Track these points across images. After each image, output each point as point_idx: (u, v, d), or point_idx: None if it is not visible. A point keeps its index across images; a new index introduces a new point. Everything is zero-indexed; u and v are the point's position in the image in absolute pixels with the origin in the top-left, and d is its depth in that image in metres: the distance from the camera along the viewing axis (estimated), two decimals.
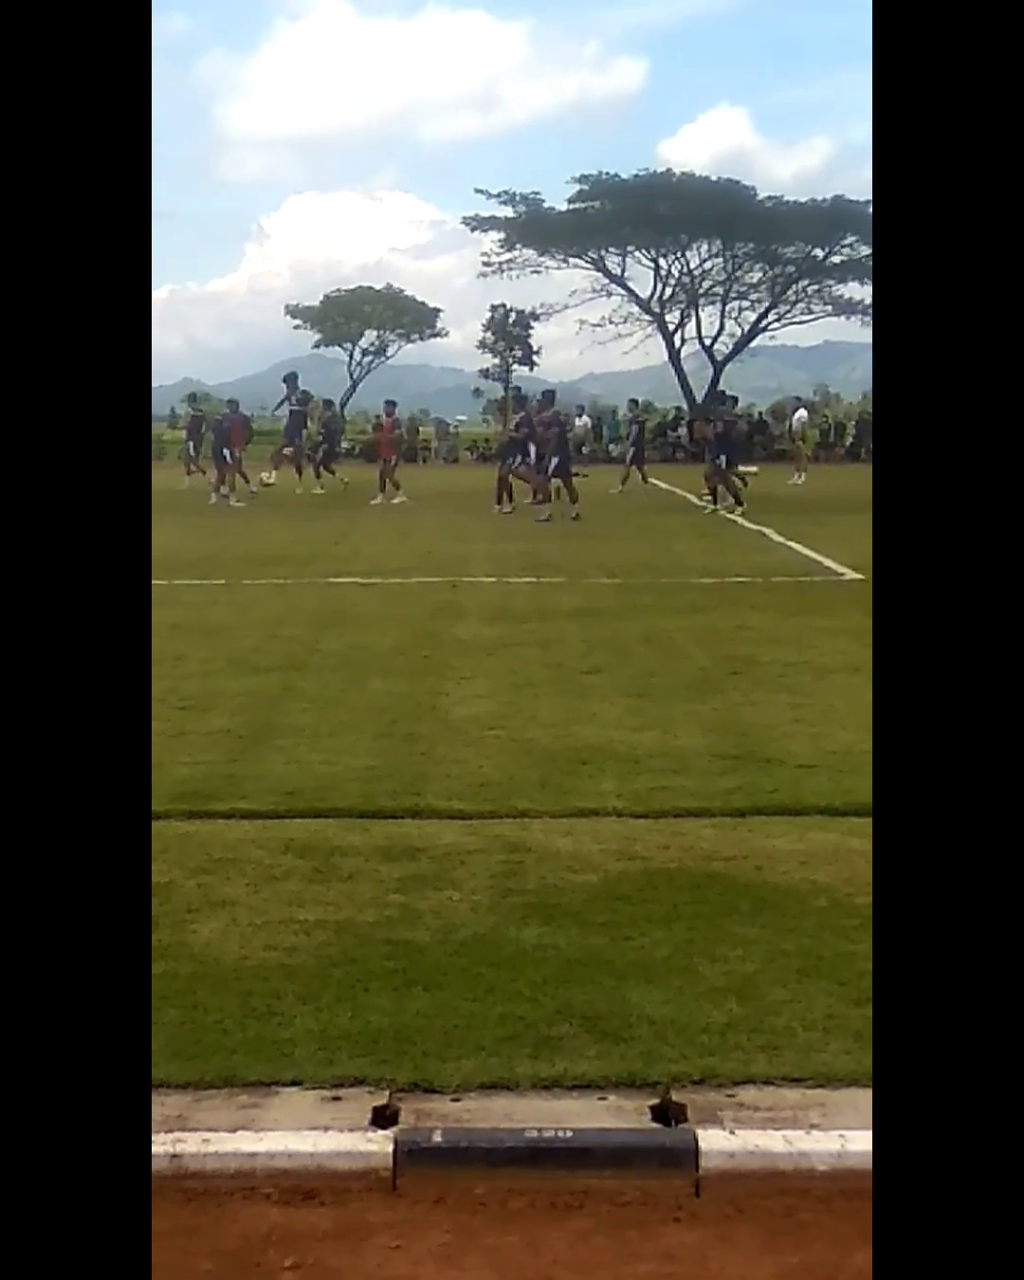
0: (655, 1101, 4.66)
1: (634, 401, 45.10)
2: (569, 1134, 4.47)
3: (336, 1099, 4.69)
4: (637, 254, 75.95)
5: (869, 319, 64.44)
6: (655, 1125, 4.55)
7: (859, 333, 79.77)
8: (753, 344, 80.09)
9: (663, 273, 76.34)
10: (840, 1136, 4.39)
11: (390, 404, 37.69)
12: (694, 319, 78.15)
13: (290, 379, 37.90)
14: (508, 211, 74.87)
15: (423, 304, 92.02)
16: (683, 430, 64.22)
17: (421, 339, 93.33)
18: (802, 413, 49.04)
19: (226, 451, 35.21)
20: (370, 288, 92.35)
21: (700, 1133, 4.45)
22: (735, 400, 38.76)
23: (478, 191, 75.79)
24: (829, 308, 76.58)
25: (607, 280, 76.83)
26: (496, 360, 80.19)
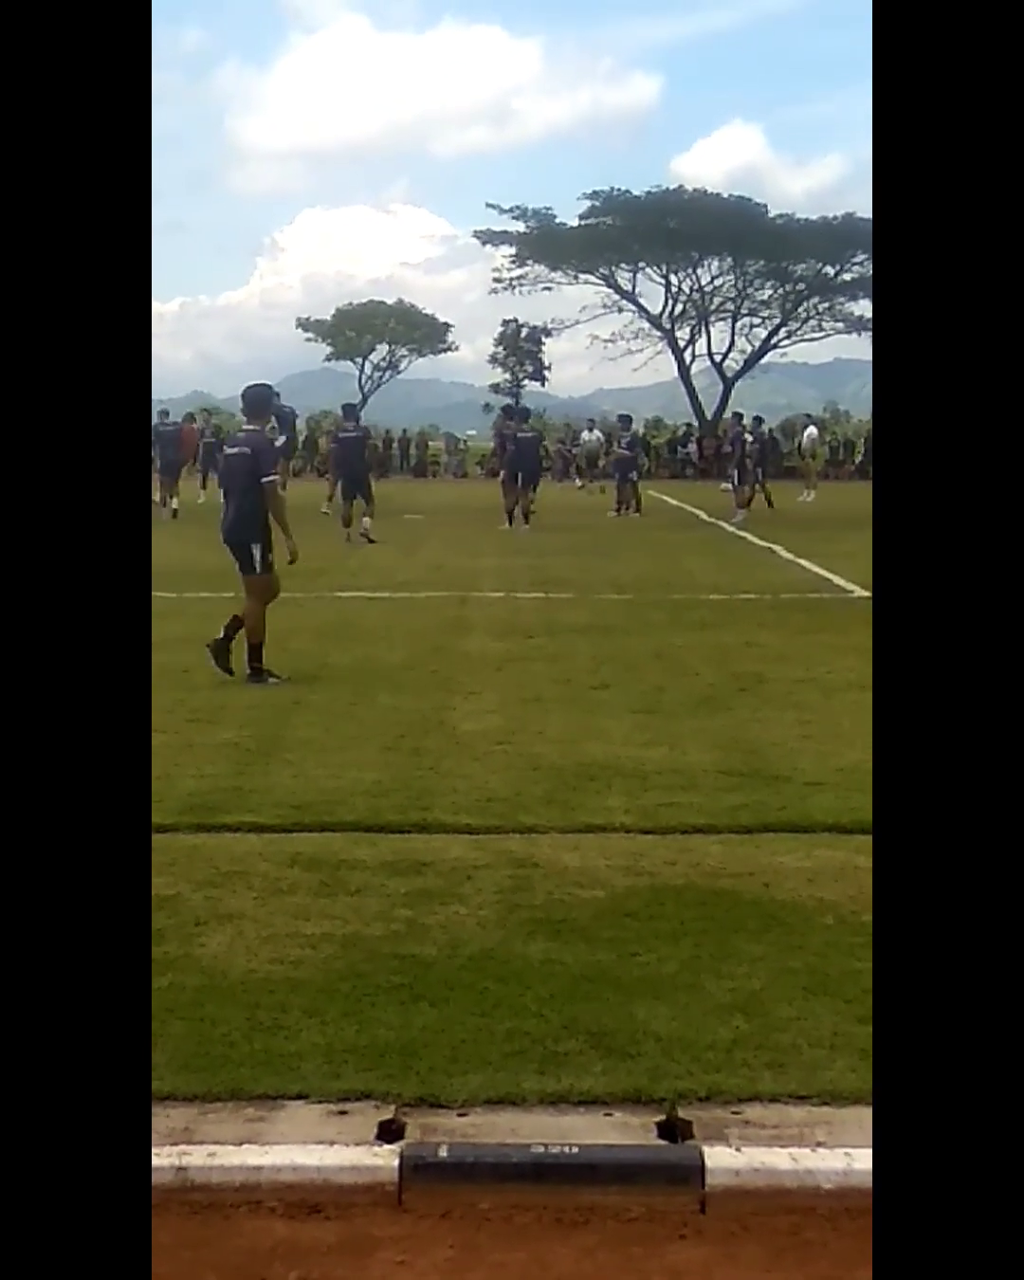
0: (661, 1118, 4.66)
1: (625, 418, 40.69)
2: (575, 1150, 4.47)
3: (343, 1113, 4.69)
4: (647, 270, 76.31)
5: None
6: (661, 1142, 4.54)
7: (869, 350, 79.70)
8: (763, 361, 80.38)
9: (674, 289, 76.75)
10: (846, 1154, 4.38)
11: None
12: (705, 335, 78.56)
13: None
14: (519, 227, 75.28)
15: (434, 318, 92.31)
16: (693, 446, 64.32)
17: (432, 353, 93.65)
18: (811, 430, 49.18)
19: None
20: (382, 302, 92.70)
21: (706, 1150, 4.45)
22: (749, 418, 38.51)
23: (489, 206, 76.21)
24: (840, 325, 76.81)
25: (617, 296, 77.22)
26: (507, 375, 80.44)
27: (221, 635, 12.41)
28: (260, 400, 12.91)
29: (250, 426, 12.72)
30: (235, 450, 12.51)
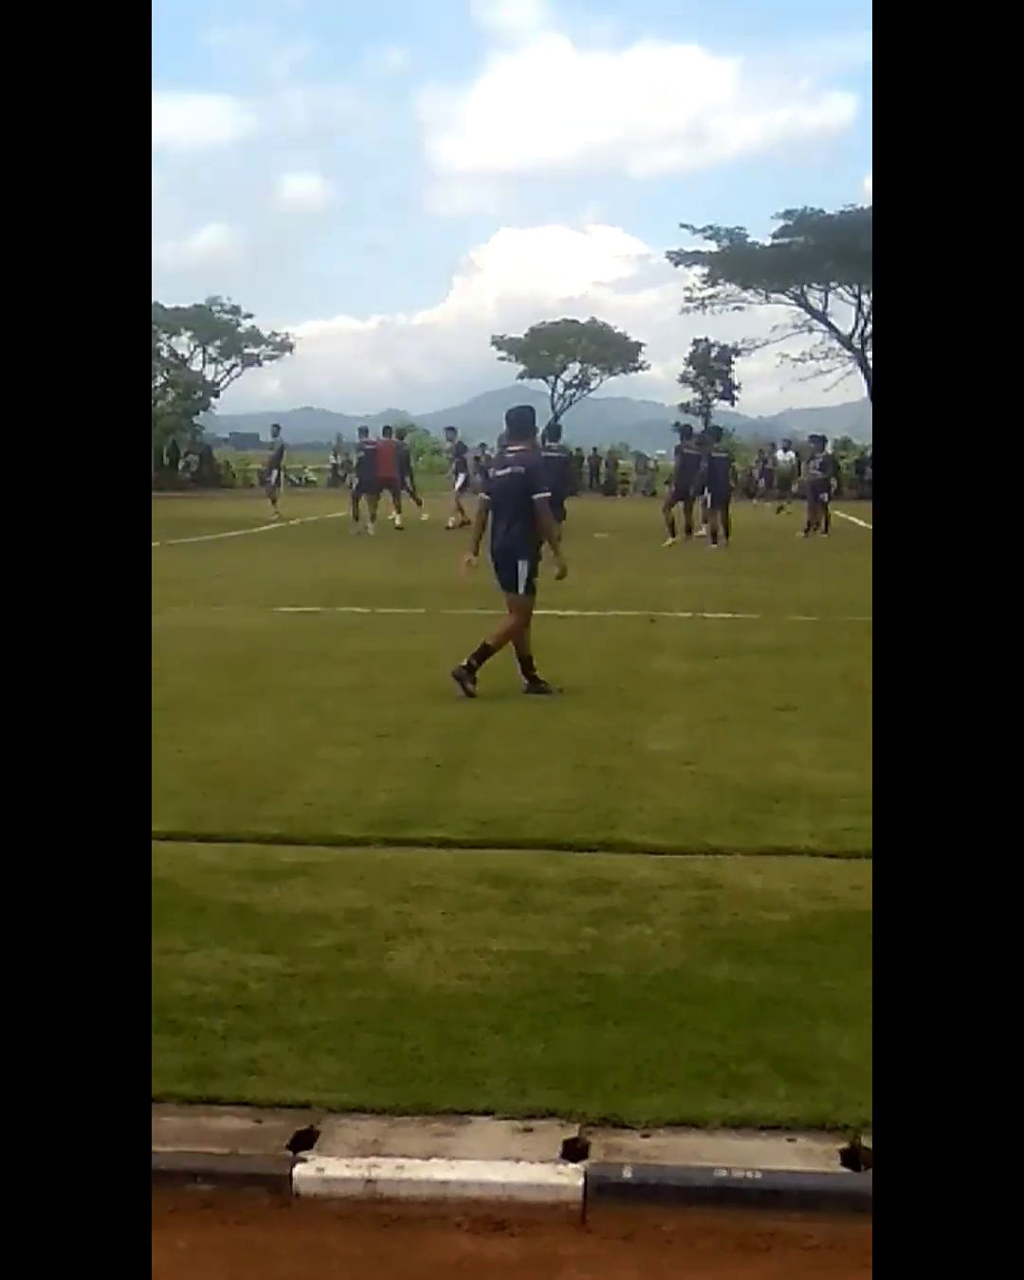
0: (845, 1145, 4.63)
1: (817, 439, 40.81)
2: (758, 1175, 4.46)
3: (528, 1130, 4.72)
4: (839, 290, 75.66)
5: None
6: (845, 1170, 4.52)
7: None
8: None
9: (864, 309, 75.86)
10: None
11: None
12: None
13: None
14: (712, 246, 75.12)
15: (625, 337, 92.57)
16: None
17: (624, 372, 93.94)
18: None
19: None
20: (575, 321, 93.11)
21: None
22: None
23: (683, 226, 76.13)
24: None
25: (808, 316, 76.64)
26: (697, 395, 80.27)
27: (468, 662, 12.63)
28: (524, 421, 13.34)
29: (517, 446, 13.09)
30: (505, 471, 12.88)
